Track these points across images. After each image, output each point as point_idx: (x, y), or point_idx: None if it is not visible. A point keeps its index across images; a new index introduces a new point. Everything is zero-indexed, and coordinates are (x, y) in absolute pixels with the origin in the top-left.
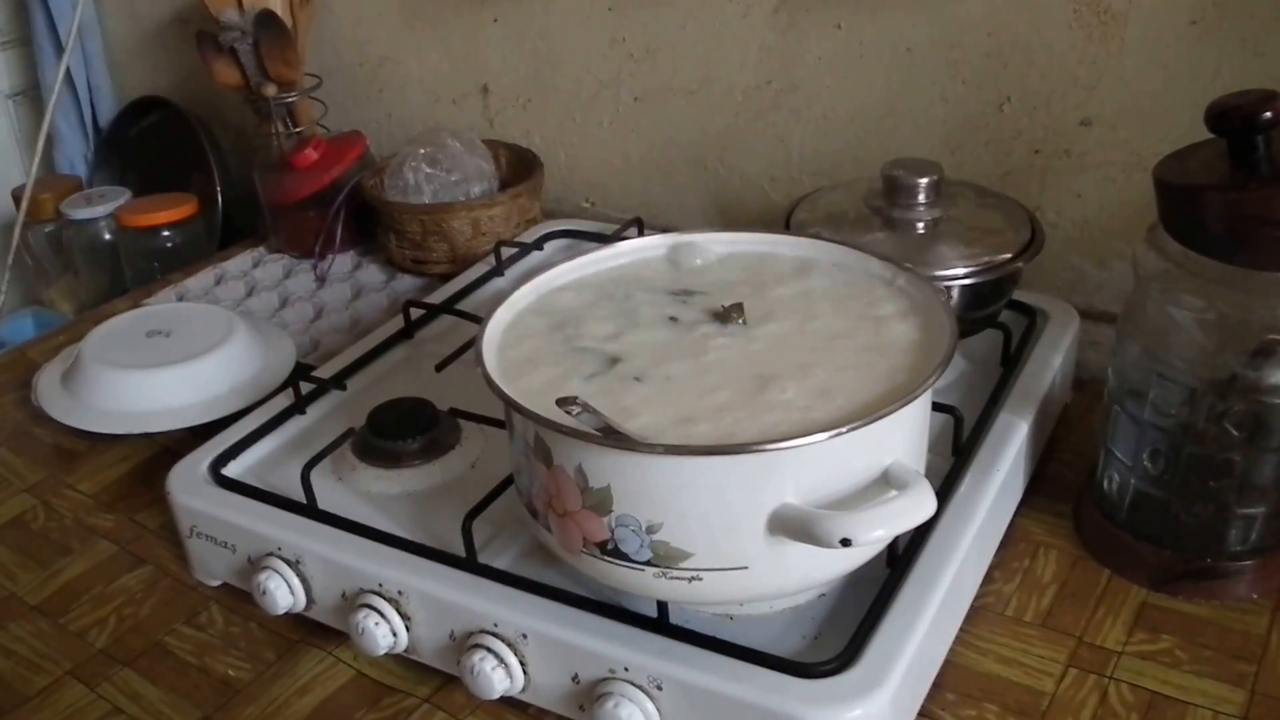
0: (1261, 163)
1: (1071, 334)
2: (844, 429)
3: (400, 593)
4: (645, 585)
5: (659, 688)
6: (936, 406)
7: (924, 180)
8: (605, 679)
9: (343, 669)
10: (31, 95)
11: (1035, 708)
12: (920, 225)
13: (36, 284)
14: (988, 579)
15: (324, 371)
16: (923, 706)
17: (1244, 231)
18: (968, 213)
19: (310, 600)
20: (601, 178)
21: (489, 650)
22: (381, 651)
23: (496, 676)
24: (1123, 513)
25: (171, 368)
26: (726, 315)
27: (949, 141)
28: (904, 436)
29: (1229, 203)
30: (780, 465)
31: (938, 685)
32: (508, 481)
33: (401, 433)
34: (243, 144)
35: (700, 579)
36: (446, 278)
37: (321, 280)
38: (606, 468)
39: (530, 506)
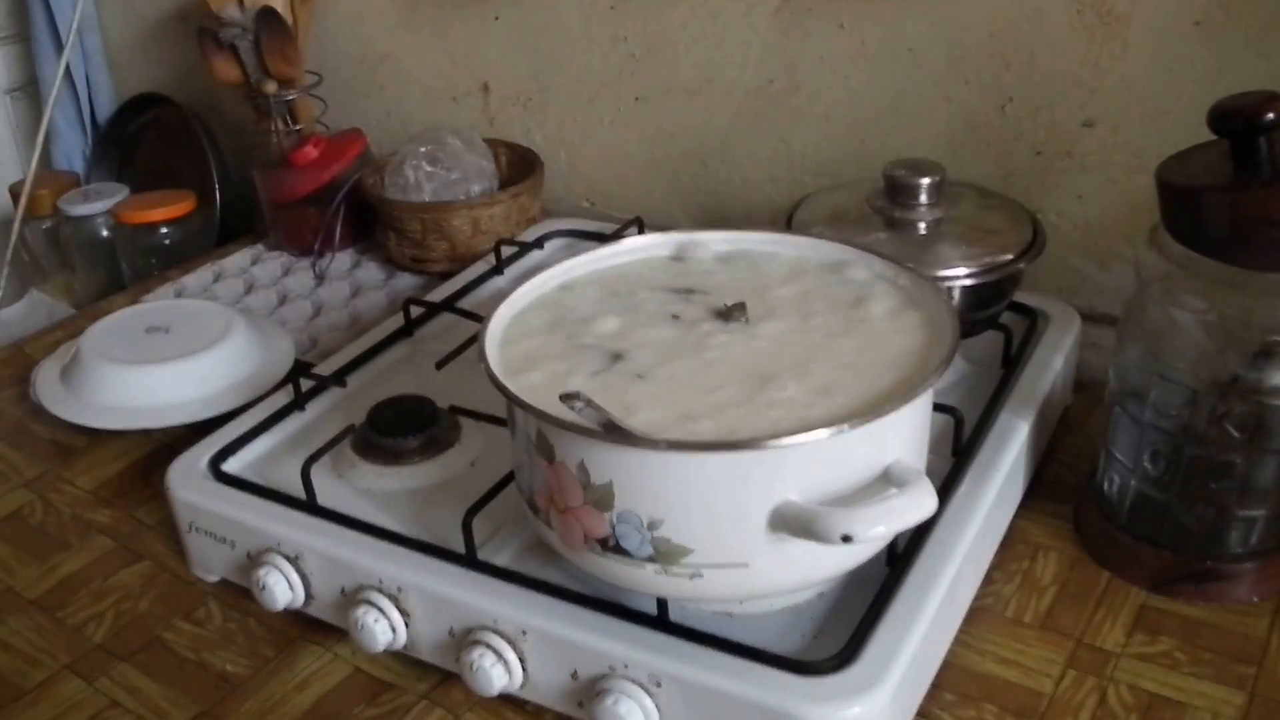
0: (1264, 164)
1: (1072, 336)
2: (846, 426)
3: (399, 589)
4: (646, 582)
5: (658, 685)
6: (937, 407)
7: (925, 181)
8: (604, 676)
9: (341, 665)
10: (30, 91)
11: (1034, 709)
12: (922, 226)
13: (34, 280)
14: (987, 580)
15: (324, 368)
16: (922, 706)
17: (1246, 233)
18: (969, 213)
19: (309, 596)
20: (602, 177)
21: (488, 647)
22: (380, 648)
23: (496, 673)
24: (1123, 514)
25: (170, 364)
26: (729, 314)
27: (951, 142)
28: (905, 435)
29: (1231, 204)
30: (782, 462)
31: (936, 685)
32: (508, 479)
33: (401, 430)
34: (242, 141)
35: (701, 576)
36: (446, 276)
37: (320, 278)
38: (608, 464)
39: (531, 503)
